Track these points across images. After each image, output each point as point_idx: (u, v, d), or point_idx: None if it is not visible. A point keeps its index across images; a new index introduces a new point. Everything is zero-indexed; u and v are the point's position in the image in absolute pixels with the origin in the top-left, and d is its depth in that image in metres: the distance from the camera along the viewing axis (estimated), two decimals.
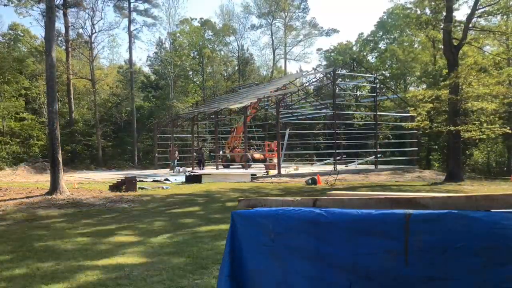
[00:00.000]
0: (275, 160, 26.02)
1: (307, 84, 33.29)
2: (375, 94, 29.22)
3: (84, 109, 41.15)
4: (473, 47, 23.32)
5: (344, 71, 32.84)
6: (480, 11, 20.01)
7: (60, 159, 14.23)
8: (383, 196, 2.24)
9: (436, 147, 37.58)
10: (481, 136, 19.55)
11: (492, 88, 18.03)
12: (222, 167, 29.03)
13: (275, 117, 27.31)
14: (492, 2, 19.99)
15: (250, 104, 27.63)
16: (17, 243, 7.07)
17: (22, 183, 20.11)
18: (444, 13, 20.43)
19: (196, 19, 52.32)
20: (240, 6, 66.50)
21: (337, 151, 26.86)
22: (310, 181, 18.64)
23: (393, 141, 35.20)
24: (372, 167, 27.94)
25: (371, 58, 51.98)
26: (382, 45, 50.48)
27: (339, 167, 25.69)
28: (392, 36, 49.00)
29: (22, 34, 41.88)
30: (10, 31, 41.92)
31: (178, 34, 47.97)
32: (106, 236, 7.60)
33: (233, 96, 35.50)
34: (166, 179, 21.05)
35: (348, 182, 19.60)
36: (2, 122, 31.17)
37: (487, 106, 17.96)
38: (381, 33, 50.23)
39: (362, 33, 53.41)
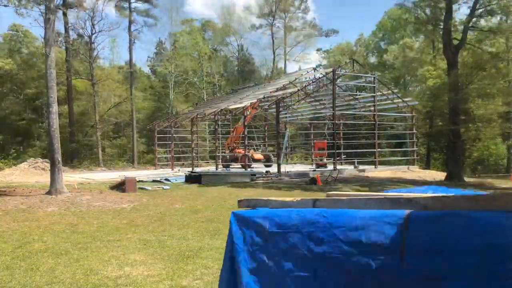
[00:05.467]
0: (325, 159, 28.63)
1: (307, 85, 33.27)
2: (374, 94, 29.19)
3: (84, 109, 41.15)
4: (473, 47, 23.32)
5: (343, 71, 32.83)
6: (480, 11, 20.00)
7: (60, 159, 14.23)
8: (383, 196, 2.24)
9: (436, 147, 37.54)
10: (480, 136, 19.59)
11: (492, 87, 18.06)
12: (221, 167, 29.02)
13: (275, 117, 27.30)
14: (492, 2, 19.98)
15: (250, 104, 27.62)
16: (16, 243, 7.07)
17: (22, 183, 20.08)
18: (444, 13, 20.43)
19: (197, 19, 52.42)
20: (240, 7, 66.77)
21: (337, 151, 26.84)
22: (309, 181, 18.63)
23: (393, 141, 35.19)
24: (372, 167, 27.92)
25: (371, 59, 51.97)
26: (382, 46, 50.48)
27: (339, 167, 25.67)
28: (392, 36, 49.01)
29: (22, 35, 41.88)
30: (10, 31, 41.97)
31: (178, 35, 47.96)
32: (107, 235, 7.60)
33: (233, 96, 35.47)
34: (166, 179, 21.01)
35: (348, 182, 19.59)
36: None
37: (487, 108, 17.99)
38: (381, 34, 50.25)
39: (362, 33, 53.51)
